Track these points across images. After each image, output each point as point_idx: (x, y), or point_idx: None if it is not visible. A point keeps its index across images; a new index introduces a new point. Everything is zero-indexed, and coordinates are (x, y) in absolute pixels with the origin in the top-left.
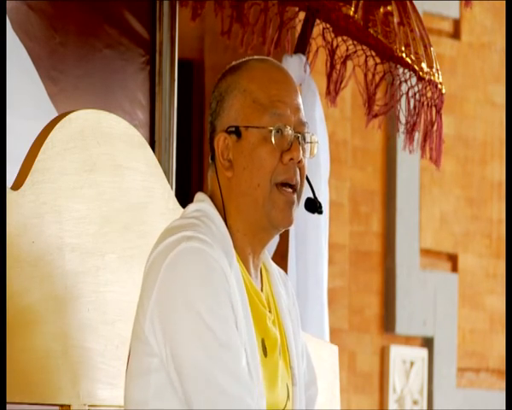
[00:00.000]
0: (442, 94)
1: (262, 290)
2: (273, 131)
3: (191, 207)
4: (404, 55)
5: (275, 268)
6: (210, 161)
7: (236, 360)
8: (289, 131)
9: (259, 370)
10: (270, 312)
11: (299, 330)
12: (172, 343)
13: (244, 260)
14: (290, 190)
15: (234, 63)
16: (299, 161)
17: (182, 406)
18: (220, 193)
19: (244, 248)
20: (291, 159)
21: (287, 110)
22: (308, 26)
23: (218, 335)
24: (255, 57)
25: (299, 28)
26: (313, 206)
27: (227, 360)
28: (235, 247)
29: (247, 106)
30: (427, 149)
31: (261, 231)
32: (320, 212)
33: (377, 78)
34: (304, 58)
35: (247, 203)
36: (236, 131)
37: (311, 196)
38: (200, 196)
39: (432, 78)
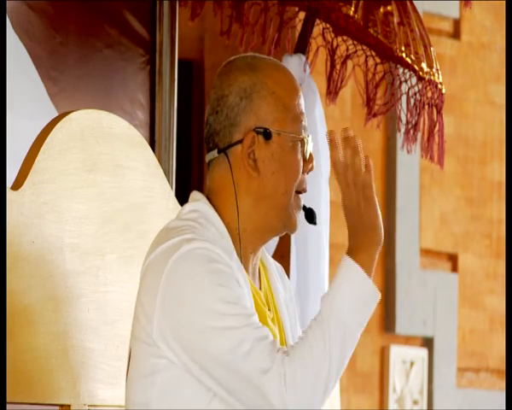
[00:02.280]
0: (442, 94)
1: (260, 289)
2: (304, 142)
3: (187, 207)
4: (404, 55)
5: (271, 262)
6: (216, 153)
7: (262, 328)
8: (310, 141)
9: None
10: (269, 310)
11: (296, 324)
12: (194, 350)
13: (244, 260)
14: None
15: (242, 59)
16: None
17: (187, 404)
18: (235, 193)
19: (247, 246)
20: (310, 168)
21: (306, 120)
22: (308, 26)
23: (238, 313)
24: (263, 56)
25: (299, 28)
26: (311, 216)
27: (252, 334)
28: (238, 248)
29: (279, 110)
30: (429, 149)
31: (270, 232)
32: (314, 223)
33: (377, 78)
34: (304, 58)
35: (268, 206)
36: (265, 133)
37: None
38: (195, 195)
39: (432, 78)
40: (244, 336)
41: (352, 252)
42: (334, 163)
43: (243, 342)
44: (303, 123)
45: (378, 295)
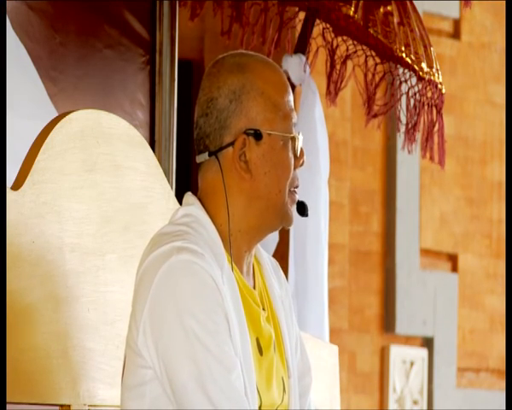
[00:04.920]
0: (442, 94)
1: (255, 288)
2: (295, 139)
3: (180, 211)
4: (404, 55)
5: (265, 258)
6: (208, 156)
7: (229, 374)
8: (300, 138)
9: (253, 372)
10: (263, 309)
11: (292, 319)
12: (165, 359)
13: (238, 261)
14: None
15: (230, 59)
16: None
17: None
18: (225, 192)
19: (240, 247)
20: (301, 164)
21: (295, 117)
22: (308, 26)
23: (211, 350)
24: (252, 54)
25: (299, 28)
26: (302, 209)
27: (219, 376)
28: (231, 248)
29: (269, 110)
30: (428, 149)
31: (267, 230)
32: (306, 215)
33: (377, 78)
34: (304, 58)
35: (262, 206)
36: (256, 134)
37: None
38: (189, 198)
39: (432, 78)
40: (205, 370)
41: None
42: None
43: (201, 376)
44: (293, 120)
45: None
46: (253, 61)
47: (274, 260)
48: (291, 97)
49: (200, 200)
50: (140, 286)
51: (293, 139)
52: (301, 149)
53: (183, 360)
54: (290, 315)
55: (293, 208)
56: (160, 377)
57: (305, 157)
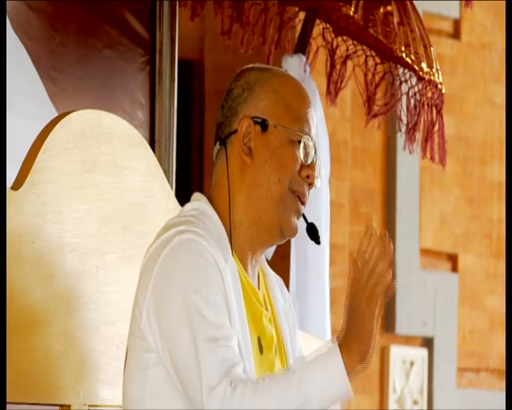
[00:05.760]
0: (442, 94)
1: (259, 289)
2: (302, 141)
3: (188, 206)
4: (404, 55)
5: (271, 273)
6: (218, 146)
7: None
8: (313, 149)
9: (253, 367)
10: (266, 309)
11: (295, 333)
12: (167, 336)
13: (242, 258)
14: (300, 201)
15: (257, 65)
16: (311, 184)
17: (181, 399)
18: (227, 180)
19: (243, 243)
20: (307, 176)
21: (312, 132)
22: (308, 26)
23: (210, 320)
24: (280, 69)
25: (299, 28)
26: (314, 234)
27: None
28: (234, 242)
29: (279, 107)
30: (429, 149)
31: (266, 230)
32: (318, 242)
33: (377, 78)
34: (304, 58)
35: (261, 196)
36: (263, 124)
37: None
38: (196, 195)
39: (432, 78)
40: (201, 344)
41: (342, 346)
42: (358, 254)
43: (197, 345)
44: (305, 128)
45: (351, 395)
46: (276, 70)
47: (280, 278)
48: (310, 111)
49: (209, 198)
50: (143, 272)
51: (301, 142)
52: (312, 162)
53: (182, 332)
54: (294, 330)
55: (297, 218)
56: (162, 358)
57: (316, 182)
